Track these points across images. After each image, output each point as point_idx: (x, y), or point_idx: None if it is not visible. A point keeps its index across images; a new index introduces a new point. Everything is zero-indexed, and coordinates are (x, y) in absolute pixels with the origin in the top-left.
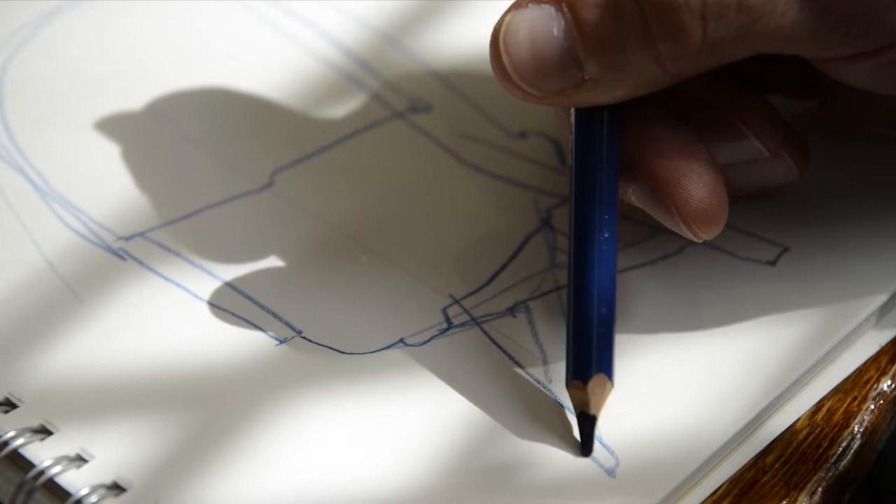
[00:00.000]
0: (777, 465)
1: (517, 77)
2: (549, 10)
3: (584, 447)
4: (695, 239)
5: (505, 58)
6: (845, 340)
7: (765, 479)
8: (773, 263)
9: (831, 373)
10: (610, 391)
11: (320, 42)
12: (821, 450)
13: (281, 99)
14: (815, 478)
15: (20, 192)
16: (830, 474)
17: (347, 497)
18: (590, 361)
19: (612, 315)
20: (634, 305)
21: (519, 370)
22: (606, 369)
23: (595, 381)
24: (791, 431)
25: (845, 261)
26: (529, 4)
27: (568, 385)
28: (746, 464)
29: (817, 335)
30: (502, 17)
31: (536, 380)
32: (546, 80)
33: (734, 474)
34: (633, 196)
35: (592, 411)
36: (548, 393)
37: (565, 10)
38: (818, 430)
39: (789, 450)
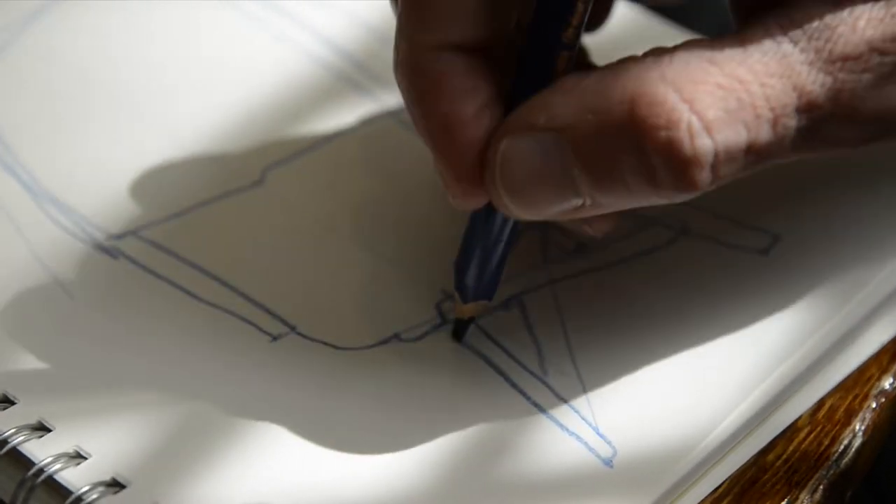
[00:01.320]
0: (778, 464)
1: (511, 202)
2: (547, 141)
3: (457, 336)
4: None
5: (500, 184)
6: (846, 337)
7: (766, 477)
8: (765, 252)
9: (832, 370)
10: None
11: (312, 40)
12: (822, 448)
13: (272, 96)
14: (817, 476)
15: (10, 191)
16: (832, 472)
17: (345, 494)
18: (487, 287)
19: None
20: (627, 297)
21: (514, 363)
22: (489, 295)
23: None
24: (792, 429)
25: (839, 248)
26: (526, 133)
27: (467, 300)
28: (747, 462)
29: (814, 324)
30: (497, 143)
31: (531, 372)
32: (543, 208)
33: (735, 472)
34: None
35: (468, 317)
36: (543, 385)
37: (563, 142)
38: (819, 428)
39: (790, 448)
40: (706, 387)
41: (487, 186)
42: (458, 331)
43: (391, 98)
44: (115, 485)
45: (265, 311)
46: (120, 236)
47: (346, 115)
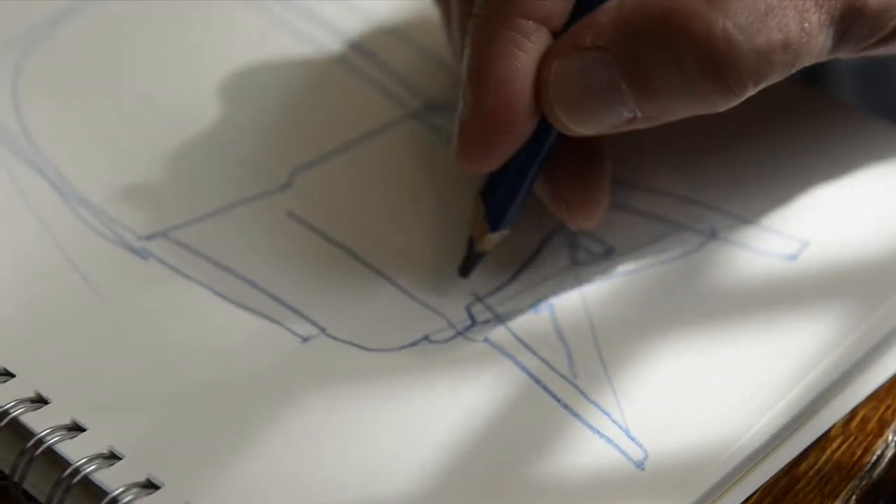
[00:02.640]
0: (811, 473)
1: (566, 117)
2: (594, 58)
3: (463, 271)
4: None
5: (555, 101)
6: (878, 347)
7: (799, 486)
8: (794, 258)
9: (865, 380)
10: (506, 235)
11: (336, 42)
12: (855, 458)
13: (298, 99)
14: (849, 486)
15: (40, 191)
16: (864, 482)
17: (376, 494)
18: (512, 215)
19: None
20: (655, 301)
21: (543, 365)
22: (514, 222)
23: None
24: (825, 439)
25: (868, 253)
26: (575, 53)
27: (497, 228)
28: (780, 471)
29: (843, 331)
30: (548, 63)
31: (561, 374)
32: (596, 121)
33: (768, 481)
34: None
35: (486, 250)
36: (573, 387)
37: (609, 58)
38: (852, 438)
39: (823, 457)
40: (735, 391)
41: (543, 106)
42: (469, 265)
43: (418, 101)
44: (149, 486)
45: (295, 313)
46: (149, 237)
47: (371, 117)
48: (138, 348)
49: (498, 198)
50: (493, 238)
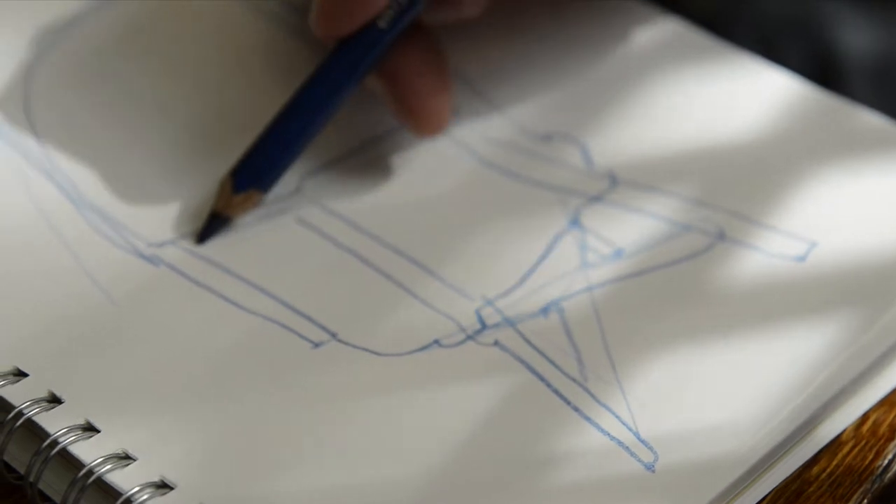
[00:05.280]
0: (822, 477)
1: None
2: None
3: (201, 237)
4: (420, 136)
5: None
6: (890, 352)
7: (810, 490)
8: (802, 259)
9: (876, 384)
10: (257, 203)
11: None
12: (866, 462)
13: None
14: (861, 490)
15: (52, 198)
16: (876, 487)
17: (385, 496)
18: (257, 172)
19: (303, 145)
20: (664, 303)
21: (553, 368)
22: (263, 185)
23: (248, 193)
24: (836, 443)
25: (877, 255)
26: None
27: (243, 188)
28: (792, 474)
29: (853, 332)
30: None
31: (572, 378)
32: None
33: (779, 484)
34: (373, 87)
35: (228, 213)
36: (583, 390)
37: None
38: (863, 441)
39: (834, 461)
40: (746, 394)
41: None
42: (207, 230)
43: None
44: (163, 486)
45: (306, 318)
46: (160, 244)
47: (381, 122)
48: (151, 352)
49: (254, 155)
50: (238, 201)
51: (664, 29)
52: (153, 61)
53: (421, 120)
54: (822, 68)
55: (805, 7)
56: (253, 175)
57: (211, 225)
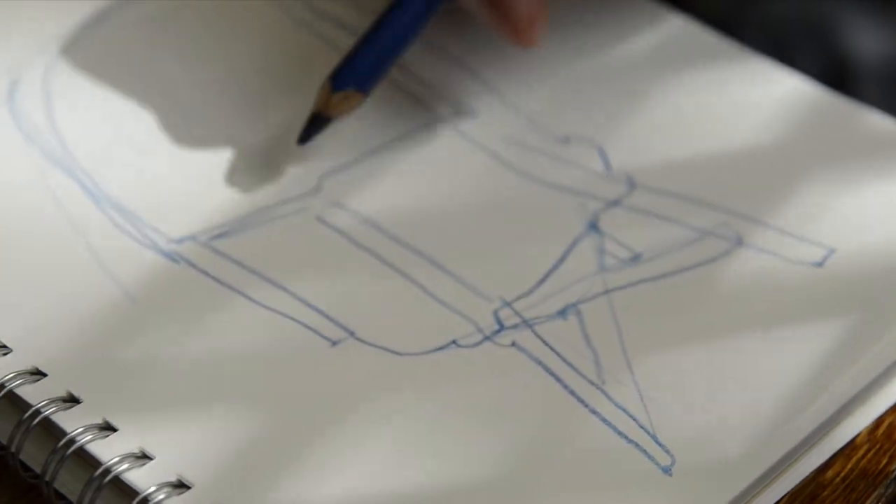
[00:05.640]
0: (837, 481)
1: None
2: None
3: (302, 137)
4: (518, 44)
5: None
6: None
7: (825, 493)
8: (820, 265)
9: (891, 389)
10: (357, 105)
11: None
12: (880, 466)
13: None
14: (875, 494)
15: (72, 195)
16: (890, 490)
17: (403, 496)
18: (356, 72)
19: (401, 50)
20: (682, 307)
21: (571, 370)
22: (362, 85)
23: (347, 93)
24: (851, 447)
25: (894, 259)
26: None
27: (342, 86)
28: (806, 478)
29: (869, 338)
30: None
31: (589, 380)
32: None
33: (794, 488)
34: (470, 1)
35: (328, 113)
36: (601, 392)
37: None
38: (878, 446)
39: (849, 465)
40: (762, 397)
41: None
42: (308, 129)
43: (446, 106)
44: (180, 486)
45: (324, 317)
46: (180, 241)
47: (399, 122)
48: (169, 350)
49: (354, 57)
50: (338, 98)
51: (679, 31)
52: (173, 59)
53: (517, 27)
54: (835, 72)
55: (817, 10)
56: (351, 75)
57: (312, 125)
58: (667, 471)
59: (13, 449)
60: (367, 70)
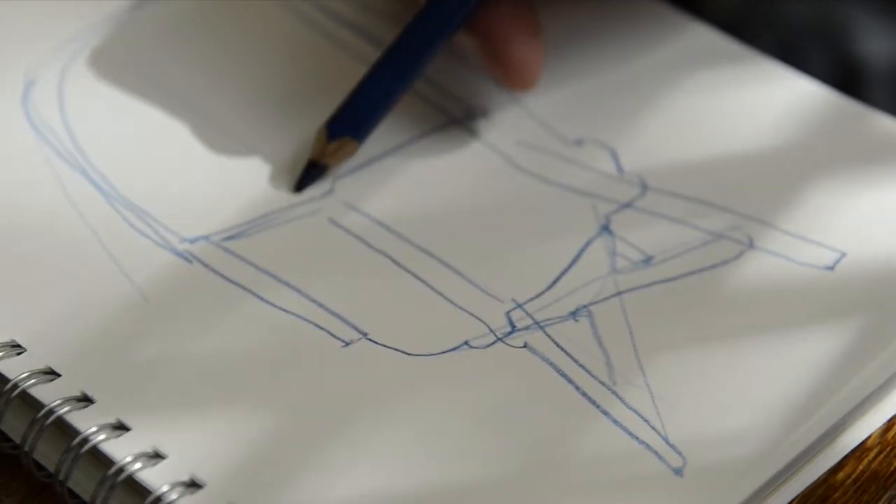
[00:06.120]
0: (848, 483)
1: None
2: None
3: (298, 184)
4: (511, 89)
5: None
6: None
7: (836, 495)
8: (831, 268)
9: None
10: (352, 152)
11: (378, 52)
12: (891, 468)
13: None
14: (886, 496)
15: (85, 194)
16: None
17: (415, 497)
18: (351, 121)
19: (396, 98)
20: (693, 309)
21: (583, 371)
22: (357, 133)
23: (342, 142)
24: (862, 449)
25: None
26: None
27: (335, 136)
28: (817, 479)
29: (881, 341)
30: None
31: (601, 382)
32: None
33: (805, 489)
34: (464, 43)
35: (324, 161)
36: (612, 394)
37: None
38: (889, 448)
39: (860, 467)
40: (772, 399)
41: None
42: (304, 178)
43: (459, 108)
44: (193, 485)
45: (337, 318)
46: (193, 241)
47: (412, 124)
48: (182, 350)
49: (348, 105)
50: (333, 148)
51: (690, 35)
52: (187, 61)
53: (512, 71)
54: (846, 75)
55: (827, 13)
56: (346, 123)
57: (308, 173)
58: (678, 472)
59: (27, 448)
60: (361, 118)
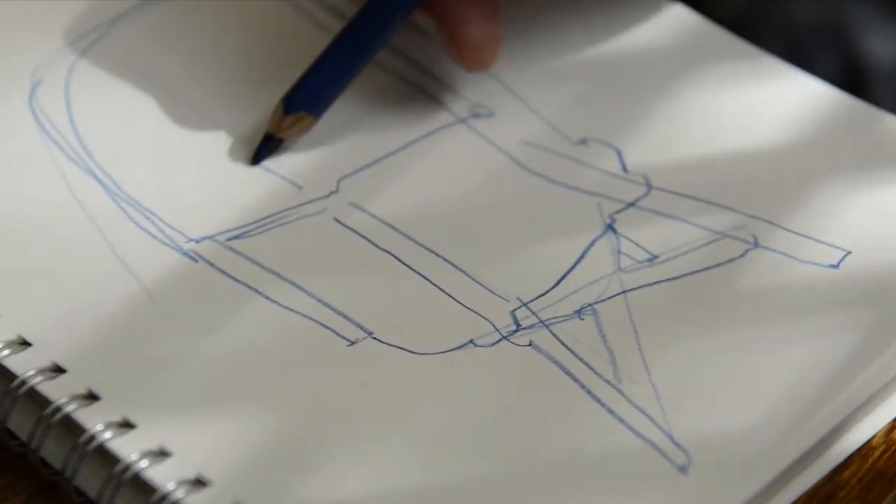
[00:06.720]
0: (853, 482)
1: None
2: None
3: (254, 157)
4: (466, 70)
5: None
6: None
7: (841, 494)
8: (836, 267)
9: None
10: (308, 127)
11: (383, 51)
12: None
13: (344, 106)
14: (891, 495)
15: (91, 193)
16: None
17: (420, 495)
18: (307, 96)
19: (352, 75)
20: (698, 308)
21: (587, 370)
22: (313, 108)
23: (298, 116)
24: (867, 448)
25: None
26: None
27: (293, 110)
28: (823, 478)
29: (885, 339)
30: None
31: (606, 380)
32: None
33: (810, 488)
34: (422, 23)
35: (280, 135)
36: (617, 392)
37: None
38: (894, 447)
39: (865, 466)
40: (776, 398)
41: None
42: (260, 150)
43: (464, 107)
44: (199, 483)
45: (342, 316)
46: (199, 240)
47: (417, 123)
48: (188, 348)
49: (306, 82)
50: (288, 122)
51: (696, 34)
52: (193, 59)
53: (467, 52)
54: (851, 75)
55: (834, 13)
56: (302, 98)
57: (265, 146)
58: (683, 470)
59: (33, 446)
60: (317, 94)
